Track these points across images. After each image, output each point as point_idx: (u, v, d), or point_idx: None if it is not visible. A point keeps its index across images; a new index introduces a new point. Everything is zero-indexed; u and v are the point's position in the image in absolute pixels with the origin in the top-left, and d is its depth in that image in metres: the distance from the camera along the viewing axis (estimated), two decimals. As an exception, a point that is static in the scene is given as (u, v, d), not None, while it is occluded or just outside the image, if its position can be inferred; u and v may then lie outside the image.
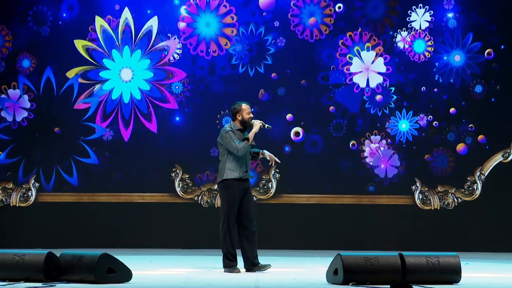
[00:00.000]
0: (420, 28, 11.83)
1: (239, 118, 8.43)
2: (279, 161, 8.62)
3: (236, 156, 8.31)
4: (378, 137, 11.90)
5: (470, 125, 11.89)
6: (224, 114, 11.75)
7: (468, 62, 11.91)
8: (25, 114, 11.69)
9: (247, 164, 8.41)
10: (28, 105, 11.64)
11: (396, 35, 11.87)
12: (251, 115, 8.47)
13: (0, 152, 11.58)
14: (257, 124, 8.41)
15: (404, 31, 11.86)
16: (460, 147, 11.92)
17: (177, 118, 11.86)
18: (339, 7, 11.83)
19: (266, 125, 8.50)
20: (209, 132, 11.42)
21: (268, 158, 8.54)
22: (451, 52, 11.89)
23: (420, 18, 11.84)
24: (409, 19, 11.88)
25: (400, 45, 11.88)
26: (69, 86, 11.67)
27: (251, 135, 8.37)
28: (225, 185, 8.34)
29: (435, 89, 11.93)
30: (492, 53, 11.89)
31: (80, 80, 11.58)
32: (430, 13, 11.83)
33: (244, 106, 8.45)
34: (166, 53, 11.59)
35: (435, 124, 11.90)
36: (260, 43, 11.89)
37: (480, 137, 11.89)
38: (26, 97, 11.61)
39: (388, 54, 11.89)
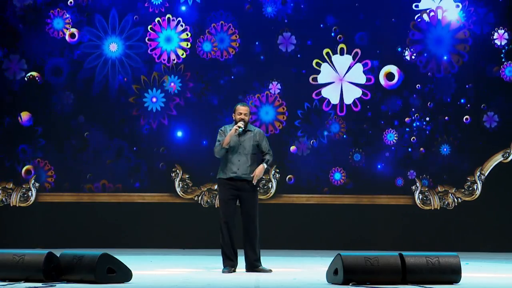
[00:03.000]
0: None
1: (234, 118, 8.46)
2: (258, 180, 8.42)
3: (225, 156, 8.33)
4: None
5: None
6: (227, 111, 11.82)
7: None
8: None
9: (237, 164, 8.29)
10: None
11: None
12: (241, 116, 8.37)
13: None
14: (233, 128, 8.34)
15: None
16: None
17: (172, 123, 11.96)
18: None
19: (238, 129, 8.31)
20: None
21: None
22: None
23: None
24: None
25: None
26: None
27: (225, 138, 8.34)
28: (217, 183, 8.56)
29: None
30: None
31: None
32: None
33: (238, 106, 8.46)
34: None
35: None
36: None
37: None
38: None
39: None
